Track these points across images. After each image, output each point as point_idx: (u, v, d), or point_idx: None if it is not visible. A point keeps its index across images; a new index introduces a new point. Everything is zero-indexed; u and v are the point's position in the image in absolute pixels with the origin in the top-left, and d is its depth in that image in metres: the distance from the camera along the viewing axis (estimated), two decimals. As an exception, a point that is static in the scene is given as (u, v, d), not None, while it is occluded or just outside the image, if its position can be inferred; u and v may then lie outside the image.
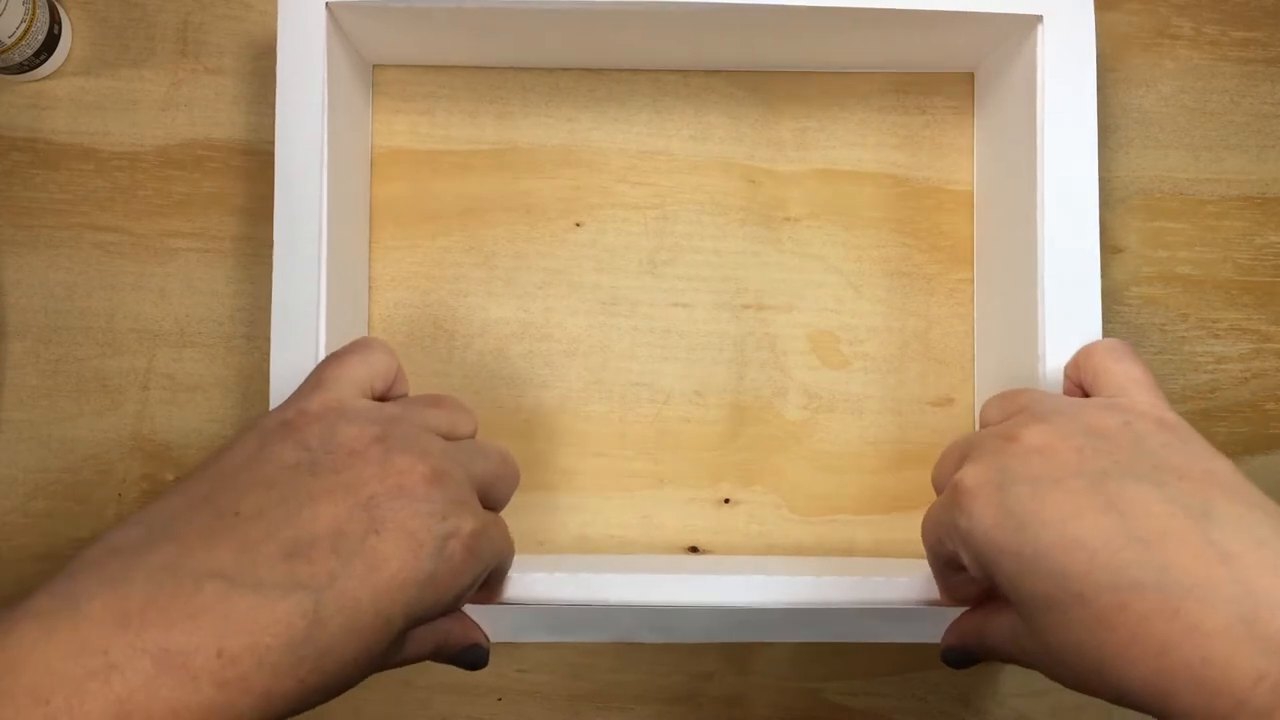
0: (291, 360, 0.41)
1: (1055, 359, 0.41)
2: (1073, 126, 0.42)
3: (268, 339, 0.48)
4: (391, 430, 0.32)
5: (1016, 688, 0.49)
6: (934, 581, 0.38)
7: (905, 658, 0.49)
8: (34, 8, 0.46)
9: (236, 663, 0.26)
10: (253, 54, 0.50)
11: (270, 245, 0.50)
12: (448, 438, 0.34)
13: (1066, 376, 0.40)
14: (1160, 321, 0.50)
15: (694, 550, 0.49)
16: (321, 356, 0.40)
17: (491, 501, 0.34)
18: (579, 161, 0.50)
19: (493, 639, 0.37)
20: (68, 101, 0.49)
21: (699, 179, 0.50)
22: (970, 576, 0.34)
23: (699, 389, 0.49)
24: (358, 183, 0.47)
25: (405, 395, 0.37)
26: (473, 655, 0.36)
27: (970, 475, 0.32)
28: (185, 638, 0.26)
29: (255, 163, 0.49)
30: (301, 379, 0.35)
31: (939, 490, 0.37)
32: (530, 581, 0.39)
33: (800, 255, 0.50)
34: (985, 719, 0.49)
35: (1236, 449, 0.50)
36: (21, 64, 0.47)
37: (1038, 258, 0.42)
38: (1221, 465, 0.31)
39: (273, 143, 0.49)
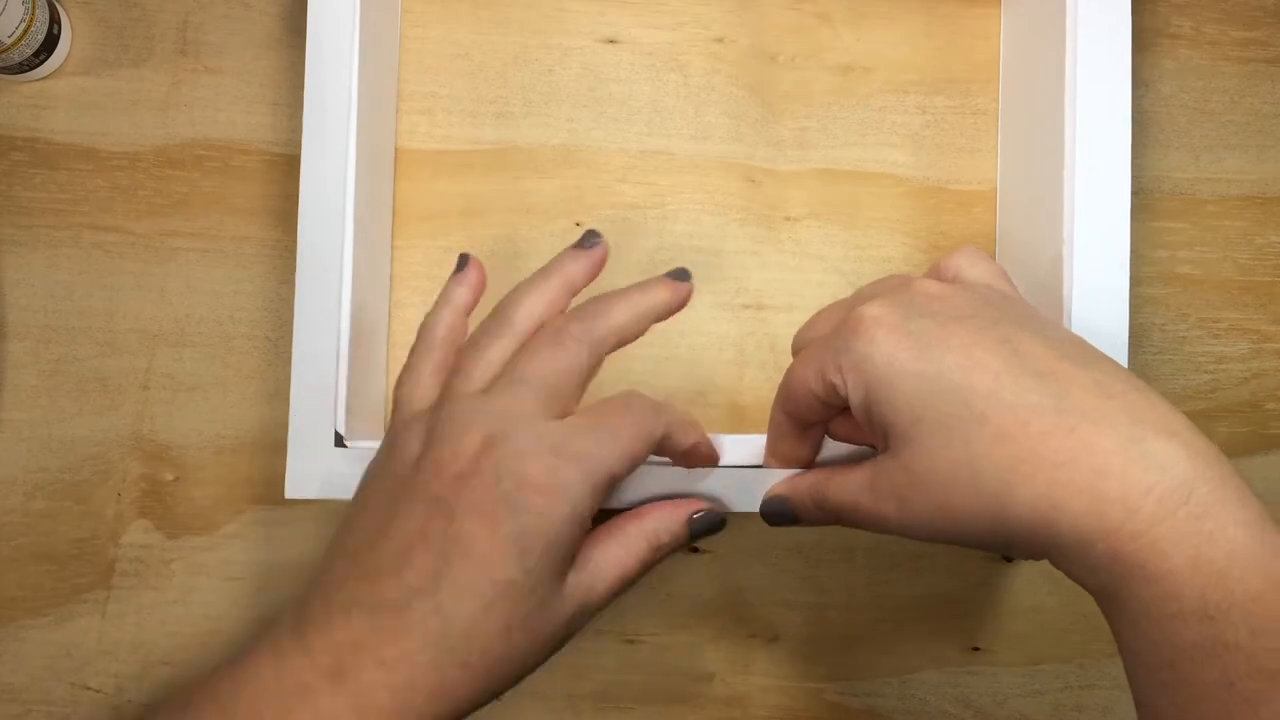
0: (317, 294, 0.42)
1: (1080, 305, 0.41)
2: (1105, 42, 0.42)
3: (267, 338, 0.49)
4: (434, 431, 0.34)
5: (1017, 688, 0.49)
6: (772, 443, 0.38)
7: (905, 658, 0.49)
8: (33, 7, 0.46)
9: (397, 668, 0.31)
10: (252, 54, 0.50)
11: (269, 245, 0.50)
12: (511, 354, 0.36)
13: None
14: (1160, 321, 0.50)
15: (694, 550, 0.49)
16: (347, 286, 0.42)
17: (567, 401, 0.35)
18: (579, 161, 0.50)
19: None
20: (67, 101, 0.49)
21: (699, 179, 0.50)
22: (811, 438, 0.37)
23: (699, 389, 0.49)
24: (386, 79, 0.48)
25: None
26: (704, 522, 0.37)
27: (871, 308, 0.33)
28: (353, 655, 0.31)
29: (255, 162, 0.49)
30: (323, 320, 0.41)
31: (799, 350, 0.37)
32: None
33: (800, 255, 0.50)
34: (985, 719, 0.49)
35: (1236, 449, 0.50)
36: (21, 64, 0.47)
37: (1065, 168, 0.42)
38: (1082, 338, 0.34)
39: (273, 143, 0.49)
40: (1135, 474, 0.28)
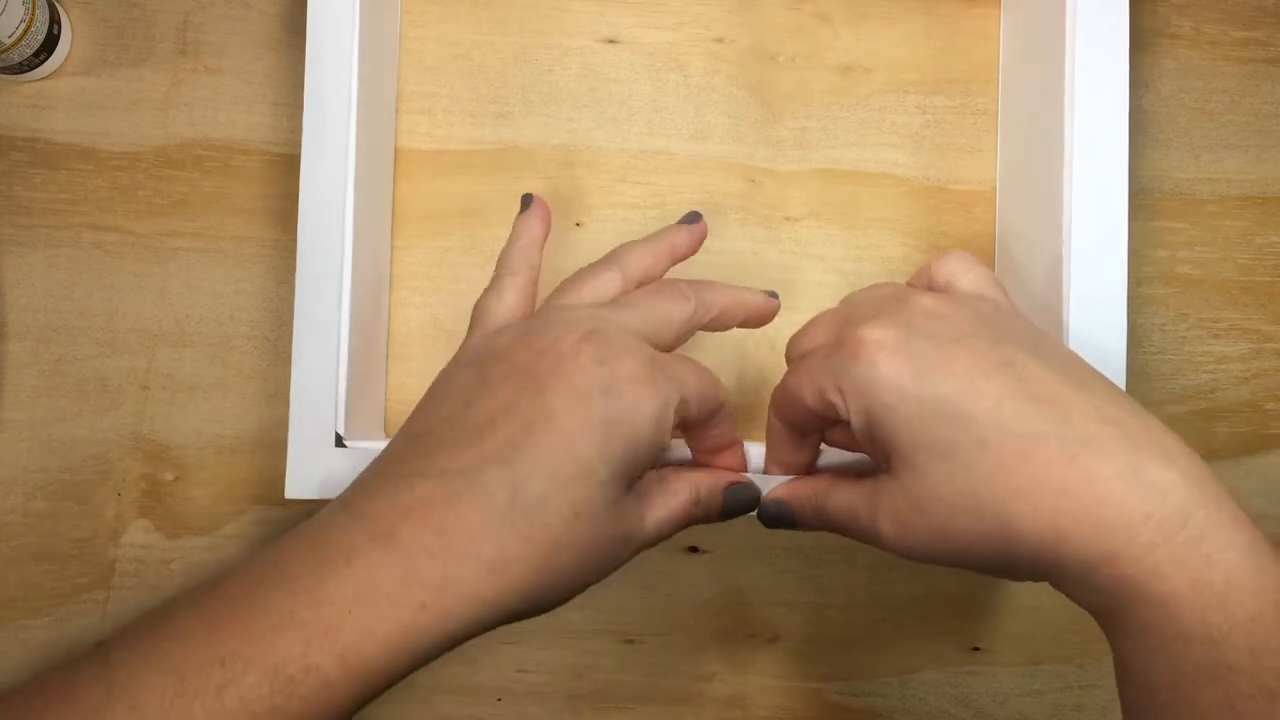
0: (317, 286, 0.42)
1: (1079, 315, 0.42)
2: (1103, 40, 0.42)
3: (267, 338, 0.49)
4: (534, 324, 0.35)
5: (1017, 688, 0.49)
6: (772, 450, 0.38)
7: (905, 658, 0.49)
8: (34, 8, 0.46)
9: (455, 536, 0.30)
10: (253, 54, 0.50)
11: (269, 245, 0.50)
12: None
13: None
14: (1160, 321, 0.50)
15: (694, 550, 0.49)
16: (347, 286, 0.41)
17: (663, 342, 0.36)
18: (579, 161, 0.50)
19: None
20: (68, 101, 0.49)
21: (699, 179, 0.50)
22: (809, 444, 0.37)
23: (699, 389, 0.49)
24: (386, 79, 0.48)
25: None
26: (739, 494, 0.37)
27: (872, 330, 0.33)
28: (407, 521, 0.30)
29: (255, 162, 0.49)
30: (323, 324, 0.41)
31: (794, 359, 0.37)
32: None
33: (800, 255, 0.50)
34: (985, 719, 0.49)
35: (1236, 449, 0.50)
36: (21, 64, 0.47)
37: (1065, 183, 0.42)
38: (1077, 355, 0.34)
39: (273, 143, 0.49)
40: (1135, 501, 0.29)
